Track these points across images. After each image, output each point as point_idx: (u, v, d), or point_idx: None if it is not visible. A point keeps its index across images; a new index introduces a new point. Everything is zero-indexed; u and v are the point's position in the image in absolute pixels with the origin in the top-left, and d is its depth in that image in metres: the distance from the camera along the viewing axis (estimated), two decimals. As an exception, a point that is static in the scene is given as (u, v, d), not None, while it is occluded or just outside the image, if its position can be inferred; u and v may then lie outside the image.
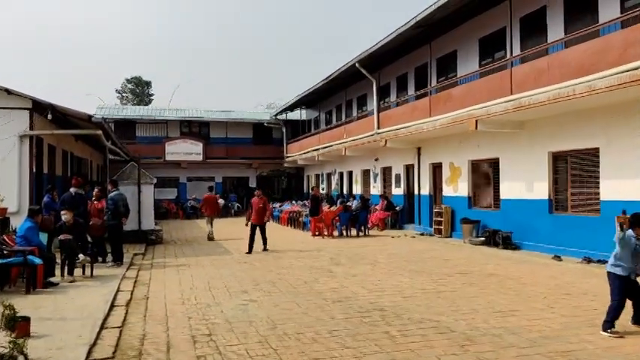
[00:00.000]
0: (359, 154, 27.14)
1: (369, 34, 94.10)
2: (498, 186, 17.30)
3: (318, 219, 20.51)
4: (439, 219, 19.73)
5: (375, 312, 8.08)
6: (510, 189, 16.57)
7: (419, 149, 22.03)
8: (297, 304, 8.68)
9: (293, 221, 25.49)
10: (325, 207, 22.08)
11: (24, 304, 7.88)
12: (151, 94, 65.06)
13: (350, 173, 30.94)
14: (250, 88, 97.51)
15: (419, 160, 22.17)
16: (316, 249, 16.45)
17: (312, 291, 9.83)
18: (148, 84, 65.09)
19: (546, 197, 15.05)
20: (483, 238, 16.65)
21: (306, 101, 35.38)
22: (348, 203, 22.86)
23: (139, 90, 64.37)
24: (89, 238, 12.35)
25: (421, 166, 22.09)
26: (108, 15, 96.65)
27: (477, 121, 15.37)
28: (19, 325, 6.27)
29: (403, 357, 5.98)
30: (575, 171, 14.34)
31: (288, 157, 38.21)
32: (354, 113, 29.99)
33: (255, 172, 40.50)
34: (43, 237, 11.12)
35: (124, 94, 64.12)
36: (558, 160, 14.91)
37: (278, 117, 40.04)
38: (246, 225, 16.52)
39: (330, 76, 27.05)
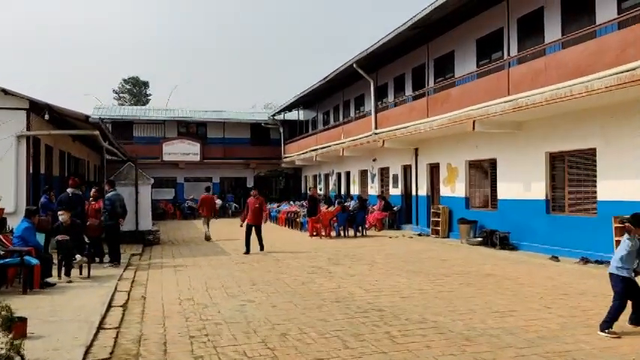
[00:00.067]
0: (357, 155, 27.15)
1: (369, 34, 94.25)
2: (496, 186, 17.33)
3: (316, 219, 20.51)
4: (437, 219, 19.75)
5: (372, 312, 8.08)
6: (508, 189, 16.59)
7: (416, 150, 22.05)
8: (294, 305, 8.68)
9: (291, 222, 25.49)
10: (323, 207, 22.08)
11: (21, 305, 7.87)
12: (149, 95, 65.07)
13: (348, 174, 30.95)
14: (250, 88, 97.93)
15: (416, 161, 22.19)
16: (314, 249, 16.45)
17: (310, 291, 9.83)
18: (146, 84, 65.10)
19: (543, 198, 15.07)
20: (481, 239, 16.67)
21: (303, 101, 35.38)
22: (346, 204, 22.86)
23: (137, 90, 64.33)
24: (86, 239, 12.32)
25: (419, 167, 22.11)
26: (108, 15, 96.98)
27: (474, 122, 15.39)
28: (16, 326, 6.24)
29: (401, 357, 5.98)
30: (572, 171, 14.37)
31: (285, 157, 38.20)
32: (352, 114, 30.00)
33: (253, 172, 40.48)
34: (40, 237, 11.09)
35: (121, 95, 64.08)
36: (555, 160, 14.93)
37: (276, 117, 40.01)
38: (241, 226, 16.48)
39: (328, 76, 27.05)
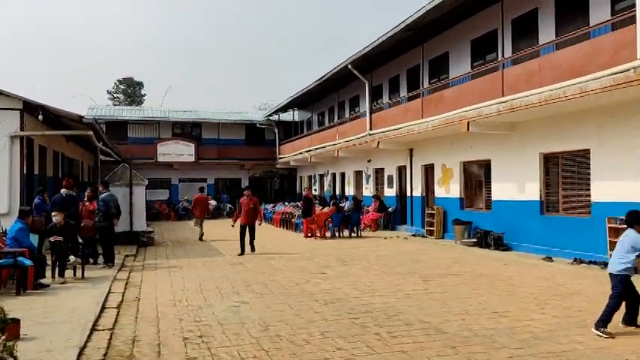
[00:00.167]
0: (351, 156, 27.16)
1: (369, 34, 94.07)
2: (490, 187, 17.37)
3: (311, 220, 20.50)
4: (431, 220, 19.78)
5: (367, 313, 8.08)
6: (502, 190, 16.63)
7: (411, 150, 22.08)
8: (289, 306, 8.67)
9: (285, 222, 25.47)
10: (318, 208, 22.08)
11: (14, 306, 7.84)
12: (143, 95, 64.91)
13: (342, 174, 30.96)
14: (250, 88, 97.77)
15: (411, 162, 22.22)
16: (308, 250, 16.44)
17: (305, 292, 9.82)
18: (140, 85, 64.91)
19: (537, 198, 15.12)
20: (475, 239, 16.70)
21: (298, 102, 35.37)
22: (341, 204, 22.87)
23: (131, 91, 64.16)
24: (80, 240, 12.28)
25: (413, 168, 22.14)
26: (108, 15, 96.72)
27: (468, 123, 15.42)
28: (9, 327, 6.22)
29: (395, 358, 5.98)
30: (566, 172, 14.42)
31: (280, 158, 38.18)
32: (347, 114, 30.01)
33: (248, 173, 40.41)
34: (34, 238, 11.05)
35: (115, 95, 63.90)
36: (549, 161, 14.98)
37: (270, 118, 39.97)
38: (232, 226, 16.41)
39: (323, 77, 27.05)
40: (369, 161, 26.49)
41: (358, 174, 28.62)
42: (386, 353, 6.14)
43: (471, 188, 18.81)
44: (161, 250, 17.16)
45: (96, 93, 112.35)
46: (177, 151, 36.99)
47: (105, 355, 6.22)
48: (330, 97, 32.21)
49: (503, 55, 15.77)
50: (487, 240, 16.16)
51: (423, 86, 20.39)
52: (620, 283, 6.85)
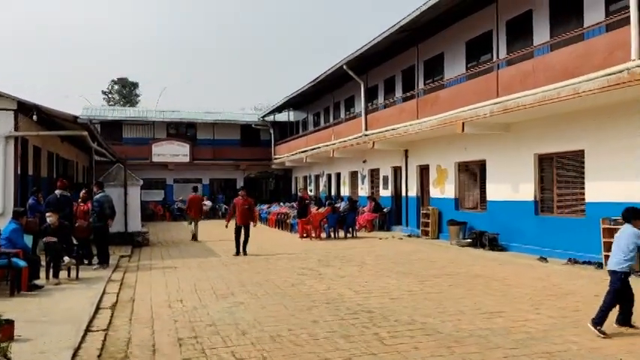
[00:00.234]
0: (347, 156, 27.18)
1: (369, 34, 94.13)
2: (485, 188, 17.40)
3: (306, 221, 20.50)
4: (426, 220, 19.81)
5: (362, 314, 8.09)
6: (497, 191, 16.67)
7: (406, 151, 22.11)
8: (284, 306, 8.67)
9: (281, 223, 25.46)
10: (313, 209, 22.07)
11: (8, 307, 7.81)
12: (138, 95, 64.81)
13: (338, 175, 30.97)
14: (250, 88, 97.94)
15: (406, 162, 22.25)
16: (304, 251, 16.44)
17: (300, 293, 9.82)
18: (135, 85, 64.80)
19: (532, 199, 15.16)
20: (470, 240, 16.73)
21: (293, 103, 35.37)
22: (336, 205, 22.88)
23: (126, 91, 64.03)
24: (74, 240, 12.23)
25: (409, 168, 22.17)
26: (108, 15, 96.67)
27: (463, 124, 15.45)
28: (3, 329, 6.20)
29: (390, 359, 5.99)
30: (560, 173, 14.46)
31: (276, 158, 38.17)
32: (342, 115, 30.01)
33: (243, 173, 40.38)
34: (28, 239, 11.00)
35: (110, 96, 63.75)
36: (544, 162, 15.03)
37: (266, 118, 39.95)
38: (226, 227, 16.38)
39: (318, 78, 27.06)
40: (364, 162, 26.51)
41: (354, 174, 28.63)
42: (381, 353, 6.14)
43: (466, 189, 18.85)
44: (156, 250, 17.13)
45: (95, 93, 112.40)
46: (172, 152, 36.95)
47: (99, 356, 6.20)
48: (325, 98, 32.22)
49: (497, 56, 15.82)
50: (482, 240, 16.19)
51: (418, 87, 20.42)
52: (619, 280, 6.86)
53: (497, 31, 15.96)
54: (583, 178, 13.51)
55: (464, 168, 18.88)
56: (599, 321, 6.78)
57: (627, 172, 12.06)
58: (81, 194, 14.20)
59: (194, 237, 20.27)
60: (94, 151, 21.81)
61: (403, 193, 22.60)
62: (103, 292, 9.72)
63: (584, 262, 12.72)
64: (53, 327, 7.12)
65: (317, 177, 34.64)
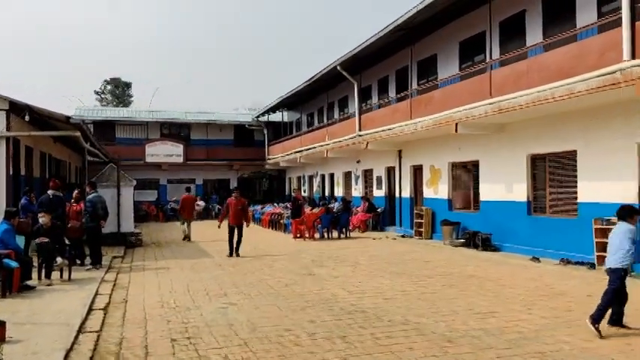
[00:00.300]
0: (341, 156, 27.19)
1: (369, 34, 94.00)
2: (478, 188, 17.44)
3: (300, 221, 20.48)
4: (420, 221, 19.84)
5: (355, 314, 8.09)
6: (490, 191, 16.71)
7: (400, 151, 22.13)
8: (277, 307, 8.66)
9: (274, 223, 25.43)
10: (307, 209, 22.06)
11: (0, 308, 7.78)
12: (131, 96, 64.57)
13: (332, 175, 30.98)
14: (250, 89, 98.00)
15: (400, 163, 22.27)
16: (297, 251, 16.43)
17: (293, 293, 9.81)
18: (128, 85, 64.56)
19: (525, 199, 15.20)
20: (463, 240, 16.76)
21: (287, 103, 35.34)
22: (330, 205, 22.87)
23: (119, 91, 63.80)
24: (67, 241, 12.18)
25: (402, 169, 22.19)
26: (108, 15, 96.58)
27: (457, 124, 15.49)
28: (-6, 330, 6.17)
29: (384, 359, 5.99)
30: (553, 173, 14.51)
31: (269, 158, 38.13)
32: (336, 115, 30.02)
33: (237, 174, 40.32)
34: (20, 240, 10.96)
35: (103, 96, 63.51)
36: (537, 162, 15.08)
37: (259, 119, 39.90)
38: (219, 227, 16.36)
39: (312, 78, 27.04)
40: (358, 162, 26.53)
41: (347, 175, 28.64)
42: (375, 354, 6.15)
43: (460, 189, 18.88)
44: (149, 251, 17.08)
45: (89, 93, 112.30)
46: (166, 152, 36.84)
47: (91, 357, 6.19)
48: (319, 98, 32.21)
49: (491, 57, 15.85)
50: (475, 240, 16.22)
51: (411, 87, 20.45)
52: (619, 279, 6.88)
53: (491, 32, 15.99)
54: (575, 178, 13.56)
55: (457, 168, 18.91)
56: (597, 319, 6.81)
57: (620, 172, 12.11)
58: (73, 195, 14.14)
59: (186, 237, 20.26)
60: (87, 152, 21.71)
61: (397, 194, 22.62)
62: (96, 293, 9.68)
63: (576, 263, 12.76)
64: (45, 328, 7.09)
65: (311, 177, 34.63)
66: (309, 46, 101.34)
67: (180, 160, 37.15)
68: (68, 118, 15.03)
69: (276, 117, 39.53)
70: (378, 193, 24.47)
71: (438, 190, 19.58)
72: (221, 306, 8.77)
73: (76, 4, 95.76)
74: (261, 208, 30.18)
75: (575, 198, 13.56)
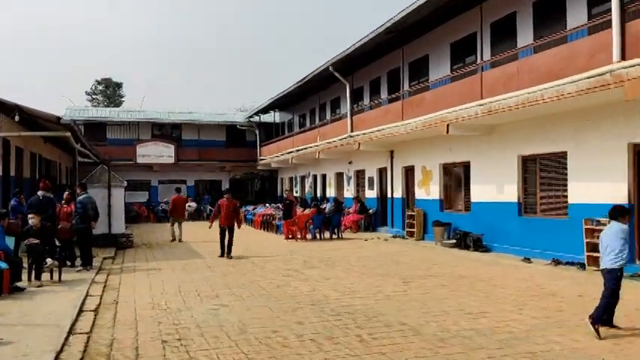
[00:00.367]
0: (333, 157, 27.20)
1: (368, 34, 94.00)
2: (469, 189, 17.50)
3: (292, 222, 20.47)
4: (411, 222, 19.88)
5: (347, 315, 8.09)
6: (481, 192, 16.77)
7: (392, 152, 22.17)
8: (269, 308, 8.65)
9: (266, 224, 25.39)
10: (299, 210, 22.05)
11: (-11, 310, 7.72)
12: (122, 96, 64.32)
13: (324, 176, 30.98)
14: (250, 89, 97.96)
15: (392, 164, 22.31)
16: (289, 252, 16.42)
17: (285, 294, 9.80)
18: (119, 85, 64.32)
19: (516, 200, 15.27)
20: (454, 241, 16.81)
21: (279, 104, 35.34)
22: (322, 206, 22.87)
23: (110, 91, 63.53)
24: (57, 242, 12.10)
25: (394, 170, 22.23)
26: (108, 15, 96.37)
27: (448, 125, 15.54)
28: (-17, 332, 6.13)
29: (374, 360, 6.00)
30: (543, 174, 14.58)
31: (261, 159, 38.07)
32: (328, 116, 30.03)
33: (228, 174, 40.23)
34: (10, 241, 10.87)
35: (94, 96, 63.21)
36: (528, 163, 15.15)
37: (251, 119, 39.83)
38: (210, 227, 16.26)
39: (304, 79, 27.06)
40: (350, 163, 26.55)
41: (339, 176, 28.66)
42: (365, 355, 6.15)
43: (451, 190, 18.94)
44: (140, 252, 17.00)
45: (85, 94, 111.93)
46: (157, 153, 36.70)
47: (82, 359, 6.15)
48: (311, 99, 32.22)
49: (482, 58, 15.92)
50: (466, 241, 16.27)
51: (403, 88, 20.51)
52: (615, 279, 6.90)
53: (482, 33, 16.08)
54: (566, 179, 13.63)
55: (449, 169, 18.97)
56: (597, 319, 6.84)
57: (610, 173, 12.20)
58: (64, 196, 14.07)
59: (174, 238, 20.18)
60: (78, 152, 21.58)
61: (388, 195, 22.65)
62: (86, 295, 9.63)
63: (567, 263, 12.83)
64: (35, 330, 7.05)
65: (303, 178, 34.62)
66: (309, 46, 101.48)
67: (172, 160, 37.02)
68: (59, 118, 14.94)
69: (268, 117, 39.50)
70: (370, 193, 24.50)
71: (429, 190, 19.63)
72: (212, 307, 8.75)
73: (76, 4, 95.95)
74: (253, 209, 30.13)
75: (566, 199, 13.63)
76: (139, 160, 36.16)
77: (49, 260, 10.77)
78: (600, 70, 10.62)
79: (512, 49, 14.66)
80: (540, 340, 6.65)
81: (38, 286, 10.28)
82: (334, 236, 20.86)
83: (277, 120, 39.69)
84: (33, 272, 10.63)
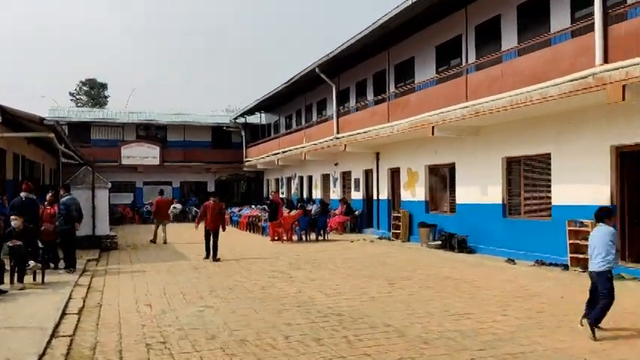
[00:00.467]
0: (319, 159, 27.20)
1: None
2: (454, 191, 17.60)
3: (278, 224, 20.44)
4: (397, 223, 19.94)
5: (332, 317, 8.09)
6: (466, 194, 16.87)
7: (377, 154, 22.23)
8: (254, 310, 8.62)
9: (252, 226, 25.34)
10: (285, 211, 22.02)
11: (-31, 313, 7.62)
12: (107, 97, 63.83)
13: (310, 178, 30.98)
14: (250, 89, 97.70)
15: (377, 165, 22.37)
16: (275, 254, 16.39)
17: (270, 296, 9.79)
18: (104, 86, 63.81)
19: (500, 202, 15.38)
20: (440, 242, 16.89)
21: (265, 105, 35.29)
22: (308, 207, 22.86)
23: (94, 92, 63.02)
24: (40, 244, 11.97)
25: (380, 171, 22.29)
26: (108, 15, 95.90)
27: (433, 127, 15.62)
28: (-36, 336, 6.05)
29: (359, 361, 6.01)
30: (528, 176, 14.70)
31: (247, 161, 37.96)
32: (314, 118, 30.03)
33: (214, 176, 40.06)
34: (-8, 243, 10.75)
35: (77, 97, 62.66)
36: (512, 165, 15.26)
37: (237, 121, 39.70)
38: (196, 228, 16.23)
39: (290, 80, 27.05)
40: (336, 164, 26.58)
41: (325, 177, 28.68)
42: (351, 356, 6.16)
43: (436, 191, 19.03)
44: (124, 254, 16.88)
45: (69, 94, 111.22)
46: (142, 154, 36.44)
47: (64, 362, 6.10)
48: (297, 100, 32.21)
49: (467, 61, 16.02)
50: (451, 242, 16.36)
51: (389, 90, 20.57)
52: (608, 280, 6.95)
53: (467, 36, 16.18)
54: (549, 181, 13.76)
55: (434, 171, 19.06)
56: (597, 322, 6.88)
57: (592, 175, 12.32)
58: (47, 197, 13.93)
59: (155, 240, 20.06)
60: (62, 154, 21.37)
61: (374, 196, 22.71)
62: (70, 297, 9.54)
63: (550, 264, 12.95)
64: (18, 332, 6.97)
65: (289, 179, 34.58)
66: (309, 46, 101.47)
67: (157, 162, 36.78)
68: (42, 119, 14.78)
69: (254, 119, 39.40)
70: (356, 195, 24.54)
71: (415, 192, 19.71)
72: (197, 309, 8.71)
73: (76, 4, 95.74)
74: (239, 211, 30.04)
75: (549, 200, 13.75)
76: (124, 162, 35.89)
77: (31, 262, 10.66)
78: (583, 73, 10.74)
79: (497, 52, 14.77)
80: (524, 341, 6.70)
81: (21, 289, 10.16)
82: (320, 238, 20.86)
83: (263, 121, 39.62)
84: (15, 274, 10.51)
